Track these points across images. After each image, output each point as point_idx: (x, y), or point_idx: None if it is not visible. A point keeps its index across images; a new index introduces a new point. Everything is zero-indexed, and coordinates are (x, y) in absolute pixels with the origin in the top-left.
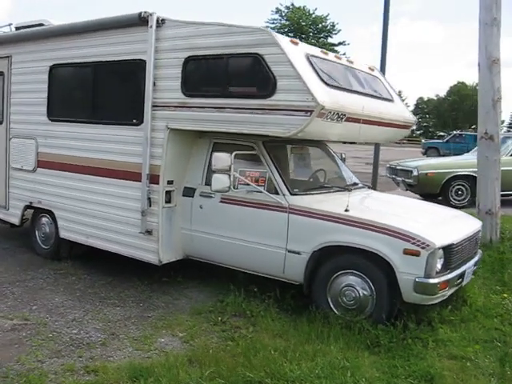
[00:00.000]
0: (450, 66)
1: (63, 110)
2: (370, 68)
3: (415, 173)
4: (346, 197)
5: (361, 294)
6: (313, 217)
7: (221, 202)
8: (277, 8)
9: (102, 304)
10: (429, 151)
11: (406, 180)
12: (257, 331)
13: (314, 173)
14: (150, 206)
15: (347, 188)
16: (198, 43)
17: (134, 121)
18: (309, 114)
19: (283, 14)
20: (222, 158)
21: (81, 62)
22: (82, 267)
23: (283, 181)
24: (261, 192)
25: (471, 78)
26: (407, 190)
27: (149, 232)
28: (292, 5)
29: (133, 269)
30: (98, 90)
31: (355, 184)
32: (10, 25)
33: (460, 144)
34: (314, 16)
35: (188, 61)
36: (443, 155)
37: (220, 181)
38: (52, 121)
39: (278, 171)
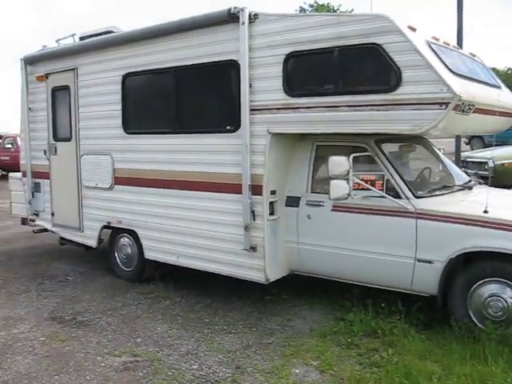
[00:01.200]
0: None
1: (141, 121)
2: (471, 54)
3: (491, 164)
4: (471, 196)
5: (510, 304)
6: (447, 221)
7: (333, 210)
8: (300, 7)
9: (212, 331)
10: (472, 140)
11: (480, 172)
12: (398, 353)
13: (422, 172)
14: (254, 219)
15: (467, 186)
16: (301, 37)
17: (228, 127)
18: (444, 106)
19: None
20: (339, 163)
21: (159, 68)
22: (172, 289)
23: (405, 183)
24: (382, 197)
25: None
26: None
27: (253, 248)
28: (315, 2)
29: (227, 287)
30: (181, 97)
31: (470, 181)
32: (73, 35)
33: (508, 132)
34: (338, 12)
35: (289, 57)
36: (489, 145)
37: (339, 187)
38: (129, 134)
39: (397, 172)
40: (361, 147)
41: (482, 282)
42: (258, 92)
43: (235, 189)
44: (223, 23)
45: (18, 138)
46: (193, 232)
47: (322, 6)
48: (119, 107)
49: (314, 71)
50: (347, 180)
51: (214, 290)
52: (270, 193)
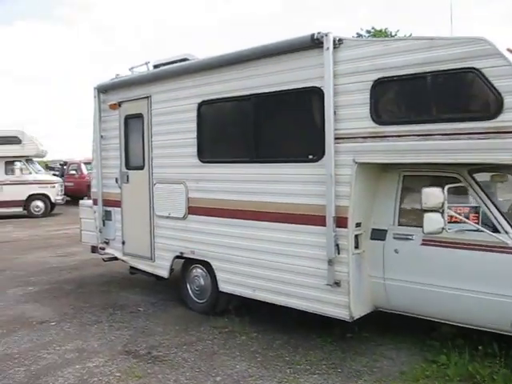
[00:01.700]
0: None
1: (217, 150)
2: None
3: None
4: None
5: None
6: None
7: (423, 244)
8: (357, 33)
9: (294, 371)
10: None
11: None
12: None
13: None
14: (339, 253)
15: None
16: (390, 62)
17: (310, 156)
18: None
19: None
20: (433, 194)
21: (237, 95)
22: (247, 323)
23: (503, 215)
24: (479, 231)
25: None
26: None
27: (337, 283)
28: (373, 28)
29: (304, 322)
30: (260, 125)
31: None
32: (147, 63)
33: None
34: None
35: (377, 84)
36: None
37: (433, 221)
38: (204, 162)
39: (494, 205)
40: (452, 177)
41: None
42: (342, 120)
43: (318, 221)
44: (306, 49)
45: (82, 164)
46: (271, 265)
47: (380, 31)
48: (194, 135)
49: (405, 98)
50: (442, 213)
51: (290, 325)
52: (355, 225)
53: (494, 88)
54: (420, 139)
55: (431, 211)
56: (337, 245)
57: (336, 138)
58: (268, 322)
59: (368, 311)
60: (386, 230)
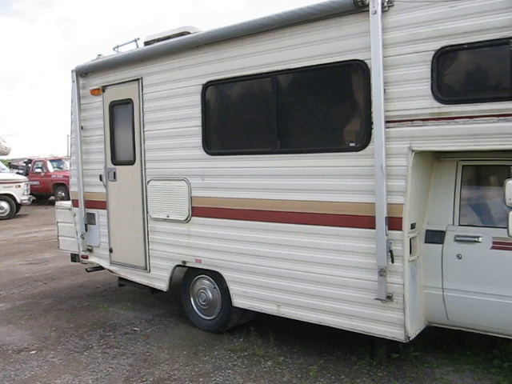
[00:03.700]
0: None
1: (228, 139)
2: None
3: None
4: None
5: None
6: None
7: (494, 248)
8: None
9: None
10: None
11: None
12: None
13: None
14: (393, 261)
15: None
16: (458, 27)
17: (352, 144)
18: None
19: None
20: None
21: (253, 73)
22: (266, 344)
23: None
24: None
25: None
26: None
27: (389, 297)
28: None
29: (335, 340)
30: (285, 109)
31: None
32: (136, 40)
33: None
34: None
35: (441, 54)
36: None
37: None
38: (211, 155)
39: None
40: None
41: None
42: (394, 99)
43: (364, 222)
44: (345, 14)
45: (48, 161)
46: (302, 276)
47: None
48: (198, 123)
49: (478, 70)
50: None
51: (321, 344)
52: (410, 227)
53: None
54: (500, 120)
55: None
56: (390, 251)
57: (387, 122)
58: (293, 341)
59: (422, 328)
60: (443, 232)
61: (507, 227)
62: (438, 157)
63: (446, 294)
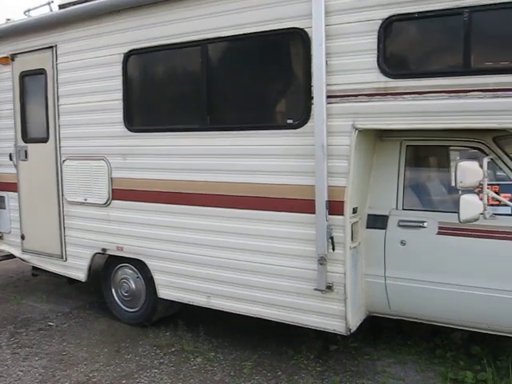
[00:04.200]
0: None
1: (153, 114)
2: None
3: None
4: None
5: None
6: None
7: (440, 233)
8: None
9: None
10: None
11: None
12: None
13: None
14: (334, 248)
15: None
16: None
17: (290, 121)
18: None
19: None
20: (472, 170)
21: (182, 41)
22: (195, 338)
23: None
24: None
25: None
26: None
27: (329, 287)
28: None
29: (267, 332)
30: (216, 82)
31: None
32: (49, 3)
33: None
34: None
35: (390, 23)
36: None
37: (473, 204)
38: (134, 132)
39: None
40: (474, 147)
41: None
42: (337, 72)
43: (303, 206)
44: None
45: None
46: (234, 265)
47: None
48: (119, 96)
49: (429, 42)
50: (478, 194)
51: (252, 336)
52: (352, 211)
53: None
54: (451, 97)
55: (467, 192)
56: (330, 238)
57: (328, 97)
58: (224, 334)
59: (363, 319)
60: (386, 216)
61: (458, 212)
62: (381, 136)
63: (389, 283)
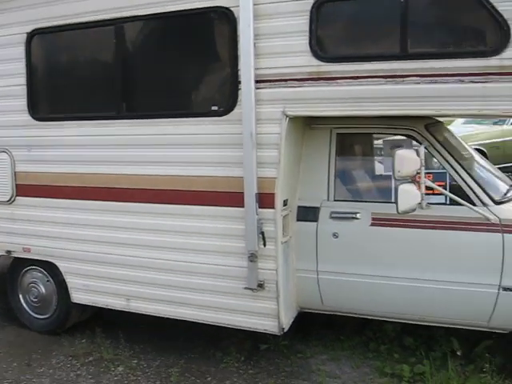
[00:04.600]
0: None
1: (61, 101)
2: None
3: None
4: None
5: None
6: None
7: (374, 224)
8: None
9: None
10: None
11: None
12: None
13: None
14: (264, 244)
15: None
16: None
17: (214, 108)
18: None
19: None
20: (409, 159)
21: (92, 20)
22: (115, 345)
23: (477, 183)
24: (456, 204)
25: None
26: None
27: (261, 285)
28: None
29: (192, 334)
30: (132, 65)
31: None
32: None
33: None
34: None
35: (323, 3)
36: None
37: (411, 194)
38: (40, 120)
39: (465, 170)
40: (406, 134)
41: None
42: (266, 55)
43: (230, 200)
44: None
45: None
46: (155, 264)
47: None
48: (22, 81)
49: (365, 24)
50: (416, 184)
51: (176, 340)
52: (282, 204)
53: (498, 13)
54: (388, 82)
55: (405, 182)
56: (261, 233)
57: (257, 82)
58: (147, 339)
59: (295, 316)
60: (317, 208)
61: (396, 202)
62: (310, 123)
63: (321, 277)
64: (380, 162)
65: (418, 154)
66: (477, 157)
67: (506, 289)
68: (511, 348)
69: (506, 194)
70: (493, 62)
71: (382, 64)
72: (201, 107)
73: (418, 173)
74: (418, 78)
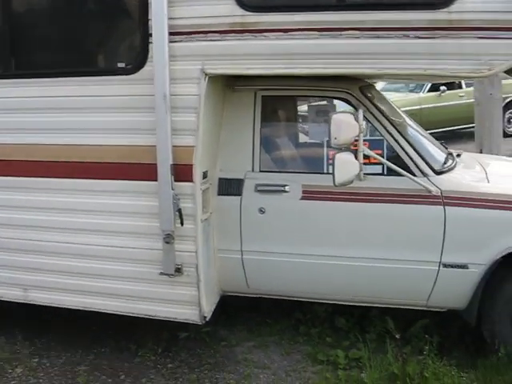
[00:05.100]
0: None
1: None
2: None
3: None
4: (480, 166)
5: None
6: (493, 206)
7: (304, 198)
8: None
9: None
10: None
11: None
12: None
13: None
14: (182, 223)
15: (458, 153)
16: None
17: (121, 65)
18: None
19: None
20: (347, 124)
21: None
22: (12, 342)
23: (416, 151)
24: (391, 175)
25: None
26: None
27: (178, 270)
28: None
29: (102, 322)
30: (23, 14)
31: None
32: None
33: None
34: None
35: None
36: None
37: (349, 165)
38: None
39: (403, 137)
40: (338, 98)
41: None
42: (182, 3)
43: (139, 172)
44: None
45: None
46: (55, 248)
47: None
48: None
49: None
50: (353, 152)
51: (83, 333)
52: (202, 176)
53: None
54: (323, 36)
55: (343, 150)
56: (178, 210)
57: (172, 34)
58: (49, 333)
59: (217, 301)
60: (241, 180)
61: (332, 173)
62: (232, 84)
63: (247, 258)
64: (310, 129)
65: (356, 119)
66: (411, 123)
67: (446, 265)
68: (448, 326)
69: (445, 164)
70: (441, 15)
71: (316, 15)
72: (105, 64)
73: (356, 140)
74: (358, 32)
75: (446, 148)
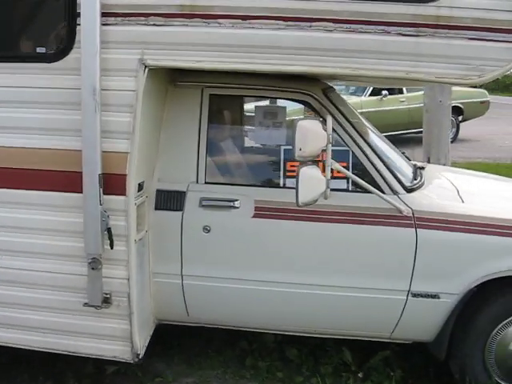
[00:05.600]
0: None
1: None
2: None
3: None
4: (448, 181)
5: None
6: (472, 231)
7: (256, 216)
8: None
9: None
10: None
11: None
12: None
13: None
14: (112, 244)
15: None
16: None
17: (41, 51)
18: None
19: None
20: (314, 133)
21: None
22: None
23: (386, 165)
24: (366, 192)
25: None
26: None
27: (107, 300)
28: None
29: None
30: None
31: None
32: None
33: None
34: None
35: None
36: None
37: (314, 181)
38: None
39: (371, 148)
40: (299, 100)
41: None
42: None
43: (60, 182)
44: None
45: None
46: None
47: None
48: None
49: None
50: (318, 165)
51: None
52: (137, 188)
53: None
54: (289, 27)
55: (308, 164)
56: (107, 229)
57: (104, 15)
58: None
59: (151, 333)
60: (183, 193)
61: (296, 191)
62: (176, 79)
63: (187, 283)
64: (263, 134)
65: (323, 128)
66: (376, 131)
67: (415, 294)
68: (411, 358)
69: (414, 179)
70: (428, 9)
71: (282, 1)
72: (21, 49)
73: (323, 151)
74: (331, 24)
75: (410, 160)
